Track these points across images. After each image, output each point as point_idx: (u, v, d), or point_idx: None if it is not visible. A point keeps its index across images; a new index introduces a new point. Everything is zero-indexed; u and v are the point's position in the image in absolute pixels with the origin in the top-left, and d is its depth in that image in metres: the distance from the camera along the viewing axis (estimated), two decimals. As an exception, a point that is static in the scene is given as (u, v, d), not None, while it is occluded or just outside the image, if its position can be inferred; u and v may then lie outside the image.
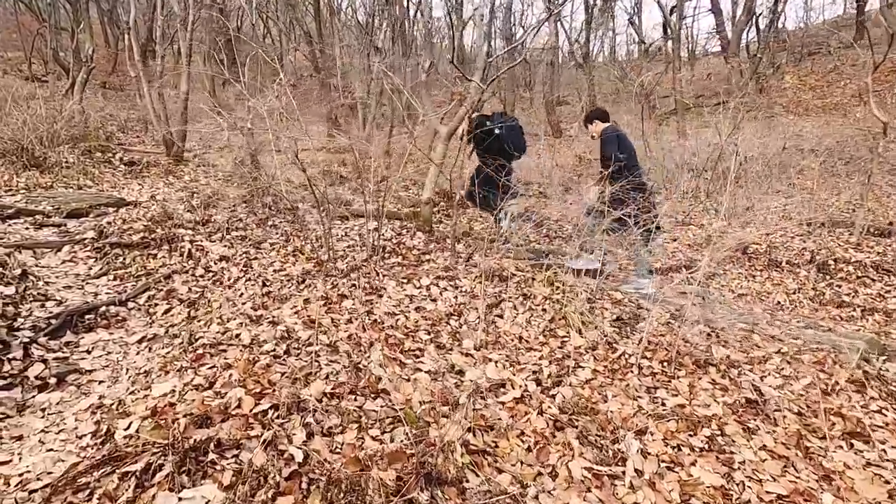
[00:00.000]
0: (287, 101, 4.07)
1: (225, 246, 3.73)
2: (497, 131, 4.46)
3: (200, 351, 2.29)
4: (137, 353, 2.40)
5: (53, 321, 2.45)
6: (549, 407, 2.09)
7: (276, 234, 4.11)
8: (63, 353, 2.31)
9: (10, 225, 3.96)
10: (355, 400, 1.92)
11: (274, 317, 2.64)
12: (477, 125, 4.52)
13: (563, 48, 21.22)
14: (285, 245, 3.87)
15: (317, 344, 2.34)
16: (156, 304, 2.90)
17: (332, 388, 1.93)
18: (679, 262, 5.29)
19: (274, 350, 2.26)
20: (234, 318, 2.63)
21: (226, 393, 1.87)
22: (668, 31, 14.68)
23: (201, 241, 3.77)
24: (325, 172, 9.29)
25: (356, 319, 2.70)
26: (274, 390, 1.88)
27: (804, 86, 17.22)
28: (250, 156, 4.87)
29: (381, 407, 1.91)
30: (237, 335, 2.43)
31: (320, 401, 1.84)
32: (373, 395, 1.98)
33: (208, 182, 6.81)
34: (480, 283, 3.33)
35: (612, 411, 2.10)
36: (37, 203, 4.46)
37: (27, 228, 3.94)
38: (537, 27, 13.86)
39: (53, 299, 2.75)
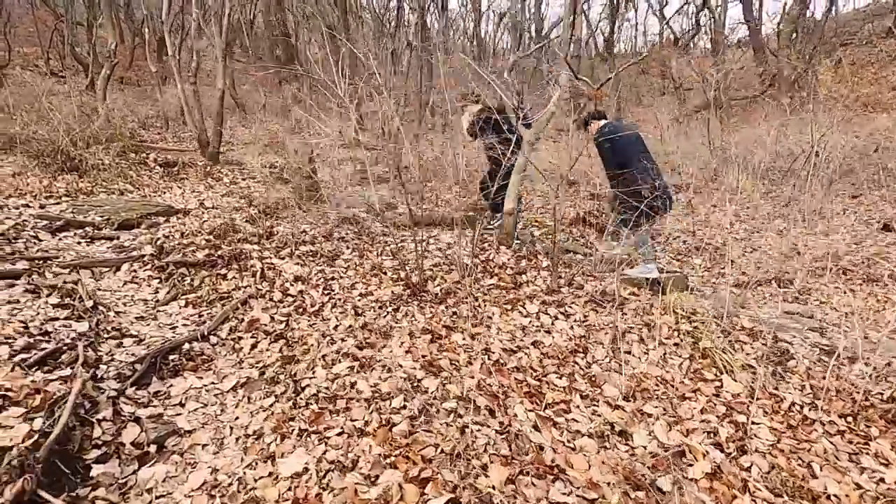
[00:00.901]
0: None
1: (297, 264, 3.37)
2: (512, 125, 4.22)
3: (316, 407, 1.93)
4: (236, 406, 2.04)
5: (138, 366, 2.10)
6: (756, 487, 1.71)
7: (347, 248, 3.75)
8: (154, 406, 1.96)
9: (60, 239, 3.63)
10: (533, 485, 1.55)
11: (384, 358, 2.28)
12: (486, 119, 4.20)
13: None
14: (360, 262, 3.51)
15: (451, 398, 1.98)
16: (240, 338, 2.54)
17: (510, 473, 1.55)
18: (767, 275, 4.87)
19: (404, 407, 1.90)
20: (339, 360, 2.27)
21: (376, 477, 1.51)
22: (706, 16, 13.95)
23: (270, 258, 3.41)
24: (360, 173, 8.95)
25: (475, 359, 2.33)
26: (435, 472, 1.52)
27: (839, 79, 16.51)
28: (308, 160, 4.50)
29: (568, 494, 1.54)
30: (352, 384, 2.07)
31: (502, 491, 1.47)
32: (550, 477, 1.60)
33: (249, 185, 6.47)
34: (595, 310, 2.95)
35: (832, 494, 1.71)
36: (84, 213, 4.14)
37: (79, 243, 3.61)
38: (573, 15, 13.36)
39: (129, 335, 2.41)
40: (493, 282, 3.20)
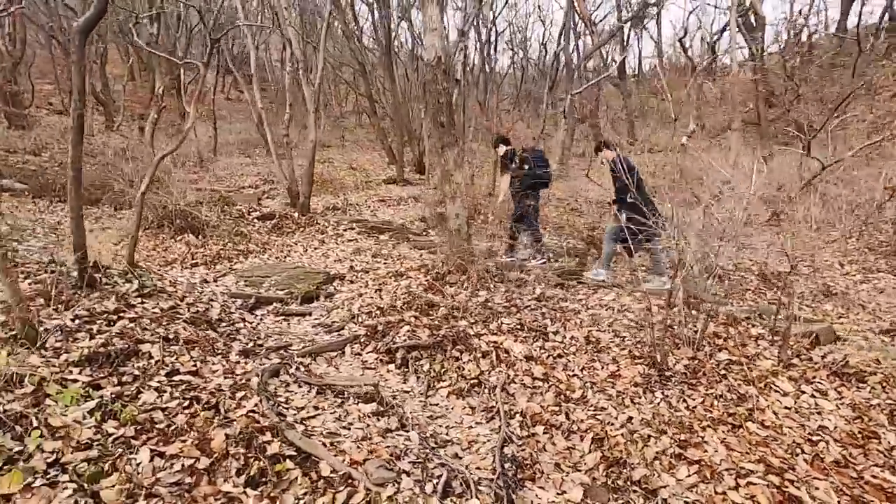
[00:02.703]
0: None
1: (518, 340, 3.34)
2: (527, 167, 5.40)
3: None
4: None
5: None
6: None
7: (542, 316, 3.74)
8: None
9: (260, 319, 3.58)
10: None
11: (720, 461, 2.26)
12: (511, 158, 5.51)
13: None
14: (566, 332, 3.49)
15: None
16: (542, 447, 2.49)
17: None
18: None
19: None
20: (675, 465, 2.24)
21: None
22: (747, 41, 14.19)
23: (486, 334, 3.39)
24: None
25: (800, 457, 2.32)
26: None
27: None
28: (459, 214, 4.49)
29: None
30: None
31: None
32: None
33: (356, 238, 6.45)
34: (844, 385, 2.96)
35: None
36: (256, 285, 4.09)
37: (284, 322, 3.56)
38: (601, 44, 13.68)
39: (451, 441, 2.36)
40: (728, 357, 3.20)
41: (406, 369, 3.07)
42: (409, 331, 3.32)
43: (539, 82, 23.88)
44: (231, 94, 25.23)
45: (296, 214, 6.99)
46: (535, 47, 28.74)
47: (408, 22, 15.82)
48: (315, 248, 5.80)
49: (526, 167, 5.41)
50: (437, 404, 2.74)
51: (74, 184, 2.74)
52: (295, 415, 2.33)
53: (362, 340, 3.34)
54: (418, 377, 2.99)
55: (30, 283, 3.13)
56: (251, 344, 3.04)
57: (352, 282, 4.50)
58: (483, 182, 10.76)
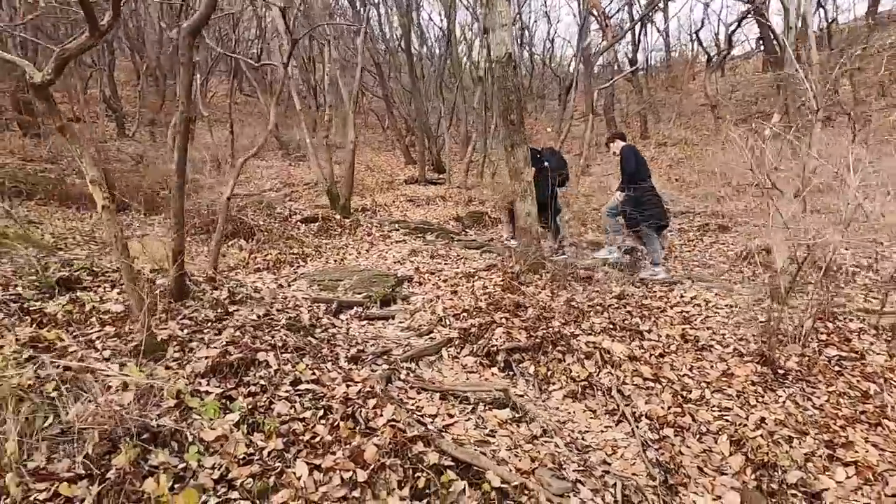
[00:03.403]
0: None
1: (616, 340, 3.27)
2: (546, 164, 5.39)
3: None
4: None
5: None
6: None
7: (629, 314, 3.66)
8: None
9: (347, 323, 3.50)
10: None
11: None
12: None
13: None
14: (664, 332, 3.41)
15: None
16: (678, 451, 2.42)
17: None
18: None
19: None
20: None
21: None
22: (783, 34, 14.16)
23: (580, 335, 3.31)
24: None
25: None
26: None
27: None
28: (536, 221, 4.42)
29: None
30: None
31: None
32: None
33: (405, 240, 6.37)
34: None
35: None
36: (331, 289, 4.02)
37: (370, 326, 3.49)
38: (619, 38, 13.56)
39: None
40: (834, 352, 3.13)
41: (511, 372, 3.00)
42: (504, 332, 3.25)
43: (545, 79, 23.82)
44: (238, 98, 25.18)
45: (338, 217, 6.92)
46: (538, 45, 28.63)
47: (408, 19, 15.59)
48: (367, 251, 5.73)
49: (546, 164, 5.41)
50: (556, 408, 2.67)
51: (178, 191, 2.67)
52: (431, 422, 2.26)
53: (456, 343, 3.27)
54: (526, 380, 2.91)
55: (118, 293, 3.06)
56: (353, 349, 2.96)
57: (421, 283, 4.43)
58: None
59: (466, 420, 2.31)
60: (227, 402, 2.15)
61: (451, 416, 2.33)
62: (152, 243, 5.27)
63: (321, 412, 2.20)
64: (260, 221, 6.19)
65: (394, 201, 10.26)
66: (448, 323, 3.51)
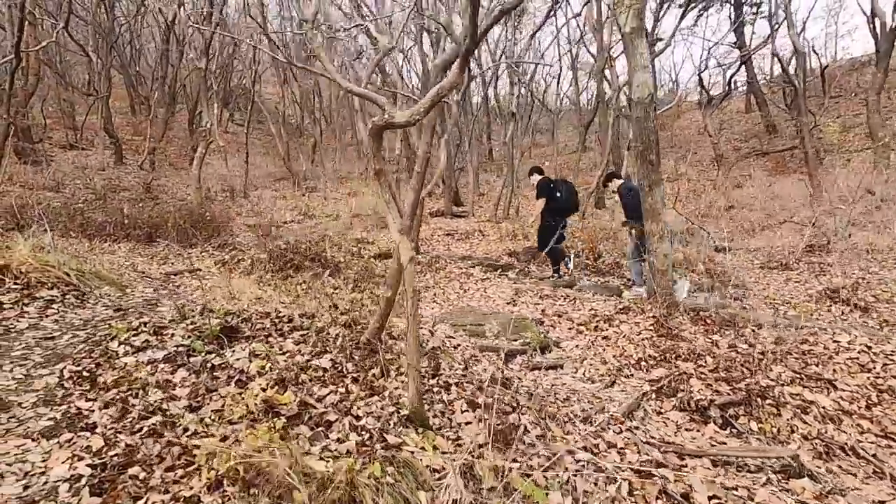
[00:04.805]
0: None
1: (810, 390, 3.13)
2: (559, 194, 6.00)
3: None
4: None
5: None
6: None
7: (800, 361, 3.54)
8: None
9: (523, 373, 3.26)
10: None
11: None
12: (544, 187, 6.04)
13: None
14: (851, 381, 3.30)
15: None
16: None
17: None
18: None
19: None
20: None
21: None
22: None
23: (773, 384, 3.16)
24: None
25: None
26: None
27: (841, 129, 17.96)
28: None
29: None
30: None
31: None
32: None
33: (489, 278, 6.17)
34: None
35: None
36: (479, 335, 3.77)
37: (545, 376, 3.25)
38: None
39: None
40: None
41: (733, 429, 2.81)
42: (703, 385, 3.07)
43: (551, 114, 24.44)
44: (229, 129, 24.80)
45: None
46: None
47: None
48: (464, 290, 5.49)
49: (558, 194, 5.97)
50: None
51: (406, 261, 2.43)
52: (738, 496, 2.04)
53: (652, 397, 3.07)
54: (757, 439, 2.73)
55: (295, 344, 2.77)
56: (571, 407, 2.73)
57: (553, 326, 4.23)
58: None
59: (770, 493, 2.09)
60: (524, 479, 1.89)
61: (746, 488, 2.12)
62: (245, 279, 4.92)
63: (618, 486, 1.95)
64: (340, 258, 5.90)
65: (432, 235, 10.10)
66: (629, 373, 3.31)
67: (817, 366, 3.49)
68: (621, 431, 2.49)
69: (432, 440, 1.91)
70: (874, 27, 14.30)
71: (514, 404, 2.42)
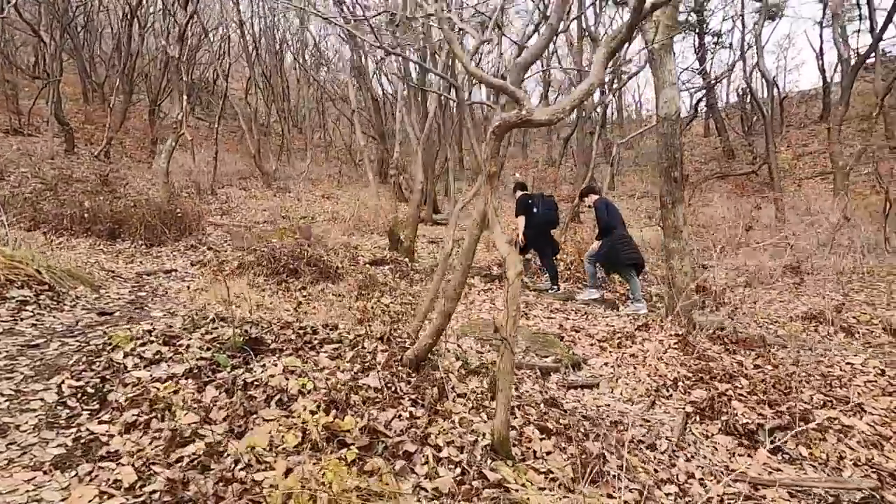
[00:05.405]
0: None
1: (845, 413, 3.12)
2: (535, 210, 5.96)
3: None
4: None
5: None
6: None
7: (818, 382, 3.56)
8: None
9: (563, 393, 3.08)
10: None
11: None
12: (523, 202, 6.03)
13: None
14: (883, 401, 3.33)
15: None
16: None
17: None
18: None
19: None
20: None
21: None
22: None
23: (808, 406, 3.14)
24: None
25: None
26: None
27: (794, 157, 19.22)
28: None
29: None
30: None
31: None
32: None
33: (491, 286, 6.00)
34: None
35: None
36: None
37: (582, 396, 3.09)
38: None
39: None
40: None
41: (784, 455, 2.74)
42: (747, 407, 3.01)
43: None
44: (190, 122, 23.65)
45: (406, 260, 6.42)
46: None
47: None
48: (469, 300, 5.29)
49: (535, 210, 5.96)
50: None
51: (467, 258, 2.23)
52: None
53: (696, 419, 2.97)
54: (812, 466, 2.67)
55: (329, 358, 2.50)
56: (632, 433, 2.57)
57: (574, 343, 4.10)
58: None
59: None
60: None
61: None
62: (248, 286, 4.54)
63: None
64: (338, 263, 5.57)
65: (417, 243, 9.85)
66: (667, 394, 3.21)
67: (840, 388, 3.52)
68: (690, 459, 2.36)
69: (524, 473, 1.70)
70: (821, 63, 15.38)
71: (584, 430, 2.24)
